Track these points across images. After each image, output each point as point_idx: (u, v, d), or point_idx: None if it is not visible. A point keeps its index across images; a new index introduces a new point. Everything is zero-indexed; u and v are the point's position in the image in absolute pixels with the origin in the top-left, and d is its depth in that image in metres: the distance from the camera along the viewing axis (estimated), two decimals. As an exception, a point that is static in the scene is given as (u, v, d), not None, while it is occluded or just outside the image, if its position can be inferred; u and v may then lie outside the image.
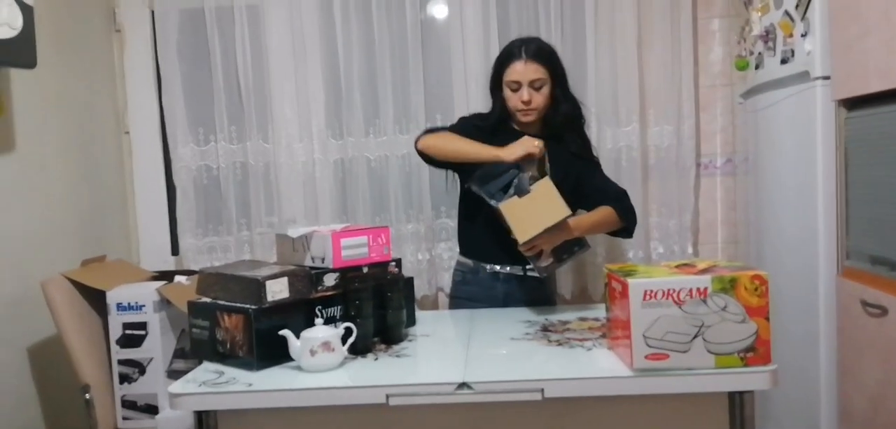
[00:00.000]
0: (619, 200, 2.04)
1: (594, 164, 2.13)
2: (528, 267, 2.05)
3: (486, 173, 1.91)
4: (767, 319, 1.32)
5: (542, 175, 1.87)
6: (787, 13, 2.07)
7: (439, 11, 2.70)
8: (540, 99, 2.00)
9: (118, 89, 2.73)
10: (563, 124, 2.05)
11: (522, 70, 1.98)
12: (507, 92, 2.02)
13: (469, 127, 2.08)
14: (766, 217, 2.34)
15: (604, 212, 2.00)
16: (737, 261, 2.19)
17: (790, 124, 2.12)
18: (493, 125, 2.07)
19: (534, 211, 1.82)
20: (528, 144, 1.86)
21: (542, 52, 2.01)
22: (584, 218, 1.98)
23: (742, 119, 2.58)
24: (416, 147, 2.08)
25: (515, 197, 1.84)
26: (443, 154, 2.02)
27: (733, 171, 2.70)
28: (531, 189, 1.84)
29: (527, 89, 1.98)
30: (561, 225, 1.84)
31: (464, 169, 2.07)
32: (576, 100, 2.09)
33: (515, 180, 1.86)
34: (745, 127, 2.53)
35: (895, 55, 1.59)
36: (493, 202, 1.86)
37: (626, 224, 2.05)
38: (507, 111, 2.06)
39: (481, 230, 2.07)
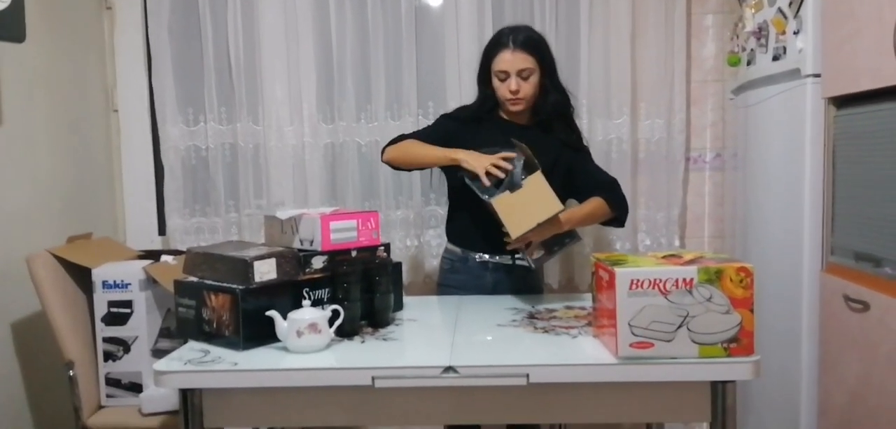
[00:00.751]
0: (611, 189, 2.03)
1: (584, 152, 2.12)
2: (517, 257, 2.06)
3: None
4: (752, 310, 1.33)
5: (533, 169, 1.87)
6: (780, 10, 2.08)
7: (434, -1, 2.69)
8: (528, 88, 1.99)
9: (108, 67, 2.70)
10: (552, 114, 2.04)
11: (510, 59, 1.96)
12: (495, 82, 2.01)
13: (443, 126, 2.08)
14: (753, 212, 2.36)
15: (595, 203, 2.00)
16: (723, 254, 2.20)
17: (780, 121, 2.13)
18: (475, 114, 2.07)
19: (526, 206, 1.82)
20: (488, 165, 1.84)
21: (531, 42, 1.99)
22: (576, 211, 1.98)
23: (732, 115, 2.59)
24: (382, 160, 2.09)
25: (507, 192, 1.84)
26: (405, 162, 2.04)
27: (722, 166, 2.71)
28: (523, 184, 1.84)
29: (515, 79, 1.96)
30: (552, 219, 1.84)
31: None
32: (565, 89, 2.08)
33: (507, 175, 1.86)
34: (735, 123, 2.55)
35: (886, 55, 1.60)
36: (485, 197, 1.86)
37: (617, 214, 2.04)
38: (495, 100, 2.05)
39: (470, 220, 2.07)
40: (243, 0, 2.60)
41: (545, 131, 2.03)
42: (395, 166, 2.08)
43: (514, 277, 2.09)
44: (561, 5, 2.60)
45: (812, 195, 1.96)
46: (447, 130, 2.06)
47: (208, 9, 2.60)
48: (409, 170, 2.12)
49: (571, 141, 2.09)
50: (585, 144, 2.16)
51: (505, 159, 1.86)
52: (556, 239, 1.95)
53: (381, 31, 2.61)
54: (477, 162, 1.86)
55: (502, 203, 1.83)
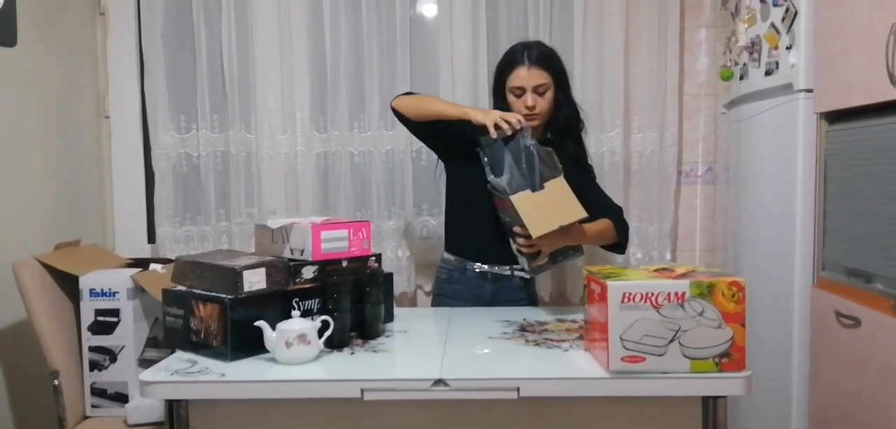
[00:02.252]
0: (618, 214, 2.06)
1: (591, 175, 2.14)
2: (516, 267, 2.05)
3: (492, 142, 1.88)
4: (743, 325, 1.33)
5: (555, 173, 1.85)
6: (773, 25, 2.09)
7: (429, 10, 2.69)
8: (544, 104, 1.99)
9: (100, 73, 2.68)
10: (564, 128, 2.06)
11: (526, 76, 1.97)
12: (510, 98, 2.01)
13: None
14: (744, 226, 2.36)
15: (605, 223, 2.01)
16: (715, 268, 2.20)
17: (772, 135, 2.14)
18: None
19: (548, 207, 1.79)
20: (497, 118, 1.84)
21: (546, 57, 2.01)
22: (591, 225, 1.97)
23: (724, 129, 2.60)
24: (391, 106, 2.07)
25: (528, 191, 1.82)
26: (413, 113, 2.01)
27: (714, 179, 2.72)
28: (545, 186, 1.83)
29: (531, 95, 1.97)
30: (573, 226, 1.83)
31: (447, 152, 2.07)
32: (576, 105, 2.10)
33: (526, 147, 1.85)
34: (727, 137, 2.55)
35: (878, 71, 1.61)
36: (504, 195, 1.82)
37: (621, 239, 2.05)
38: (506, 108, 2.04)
39: (470, 229, 2.06)
40: (237, 8, 2.59)
41: (556, 146, 2.01)
42: (401, 116, 2.03)
43: (512, 287, 2.08)
44: (555, 18, 2.61)
45: (804, 210, 1.96)
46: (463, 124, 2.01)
47: (202, 16, 2.60)
48: (415, 123, 2.04)
49: (580, 159, 2.09)
50: (591, 164, 2.18)
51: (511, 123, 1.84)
52: (561, 249, 1.92)
53: (375, 40, 2.61)
54: (486, 117, 1.85)
55: (523, 201, 1.80)
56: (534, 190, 1.81)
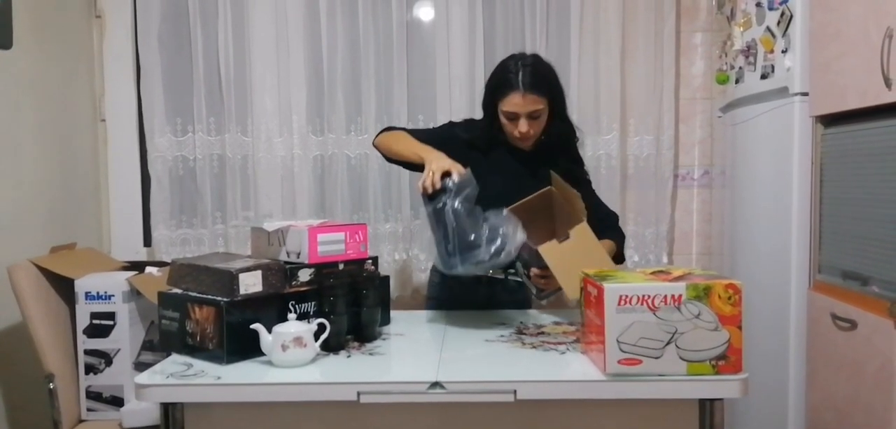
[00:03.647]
0: (615, 227, 2.00)
1: (586, 184, 2.05)
2: (510, 271, 2.03)
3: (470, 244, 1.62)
4: (740, 328, 1.33)
5: (577, 219, 1.75)
6: (768, 29, 2.10)
7: (425, 14, 2.70)
8: (538, 127, 1.89)
9: (96, 76, 2.68)
10: (556, 144, 1.97)
11: (521, 103, 1.84)
12: (502, 119, 1.90)
13: (447, 134, 2.00)
14: (741, 229, 2.37)
15: (609, 246, 1.92)
16: (711, 271, 2.21)
17: (767, 139, 2.14)
18: (483, 142, 1.97)
19: (577, 260, 1.63)
20: (429, 170, 1.67)
21: (541, 81, 1.87)
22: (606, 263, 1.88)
23: (720, 132, 2.61)
24: (372, 143, 2.04)
25: (554, 241, 1.70)
26: (384, 151, 1.96)
27: (710, 183, 2.73)
28: (570, 234, 1.71)
29: (525, 121, 1.86)
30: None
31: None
32: (571, 122, 2.00)
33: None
34: (723, 140, 2.56)
35: (873, 74, 1.61)
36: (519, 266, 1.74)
37: (620, 250, 2.00)
38: (498, 127, 1.96)
39: None
40: (234, 11, 2.59)
41: (548, 158, 1.95)
42: (381, 152, 2.00)
43: (507, 291, 2.07)
44: (551, 22, 2.62)
45: (799, 213, 1.97)
46: (451, 137, 1.96)
47: (199, 19, 2.60)
48: (389, 161, 2.01)
49: (574, 171, 2.00)
50: (587, 175, 2.09)
51: (445, 175, 1.65)
52: None
53: (372, 43, 2.61)
54: (431, 165, 1.67)
55: (552, 255, 1.68)
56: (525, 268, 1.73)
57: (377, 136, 2.02)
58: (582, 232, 1.72)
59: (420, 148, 1.81)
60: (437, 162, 1.69)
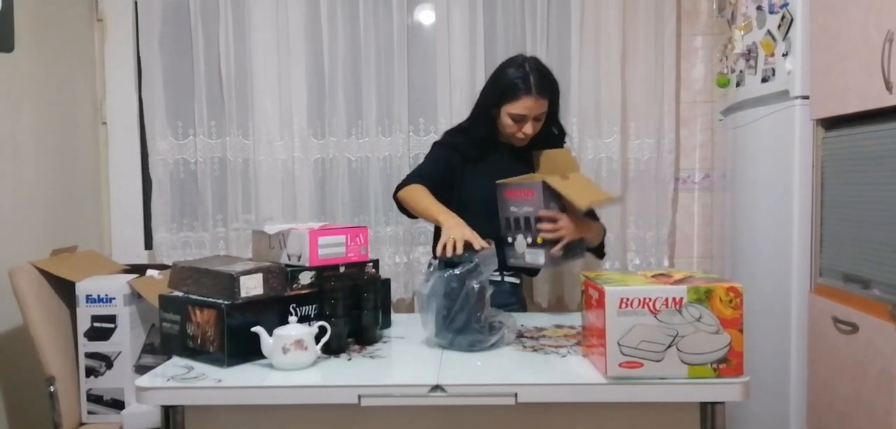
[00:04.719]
0: (596, 219, 2.09)
1: None
2: (506, 273, 2.04)
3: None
4: (741, 331, 1.33)
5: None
6: (769, 33, 2.10)
7: (426, 17, 2.70)
8: (538, 127, 1.99)
9: (97, 79, 2.68)
10: (545, 145, 2.04)
11: (533, 106, 1.93)
12: (506, 120, 1.97)
13: (442, 157, 2.04)
14: (742, 232, 2.36)
15: (599, 225, 2.08)
16: (712, 274, 2.21)
17: (768, 142, 2.14)
18: (480, 143, 2.04)
19: (582, 189, 1.87)
20: (459, 231, 1.72)
21: (549, 84, 1.97)
22: (595, 223, 2.05)
23: (721, 135, 2.61)
24: (394, 197, 2.05)
25: (558, 176, 1.86)
26: (412, 209, 1.99)
27: (711, 186, 2.73)
28: (569, 176, 1.89)
29: (531, 123, 1.96)
30: (588, 219, 1.92)
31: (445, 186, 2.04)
32: (560, 124, 2.10)
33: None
34: (724, 143, 2.56)
35: (874, 78, 1.62)
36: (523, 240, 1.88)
37: (603, 242, 2.12)
38: (493, 127, 2.03)
39: None
40: (235, 14, 2.60)
41: (525, 155, 2.02)
42: (401, 208, 2.05)
43: (503, 292, 2.08)
44: (552, 25, 2.62)
45: (801, 216, 1.97)
46: (447, 163, 2.03)
47: (200, 22, 2.60)
48: (410, 218, 2.10)
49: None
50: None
51: (469, 247, 1.67)
52: (573, 244, 1.90)
53: (372, 47, 2.62)
54: (452, 232, 1.71)
55: (557, 182, 1.85)
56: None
57: (397, 191, 2.02)
58: (577, 175, 1.95)
59: (437, 212, 1.85)
60: (457, 230, 1.72)
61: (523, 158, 2.03)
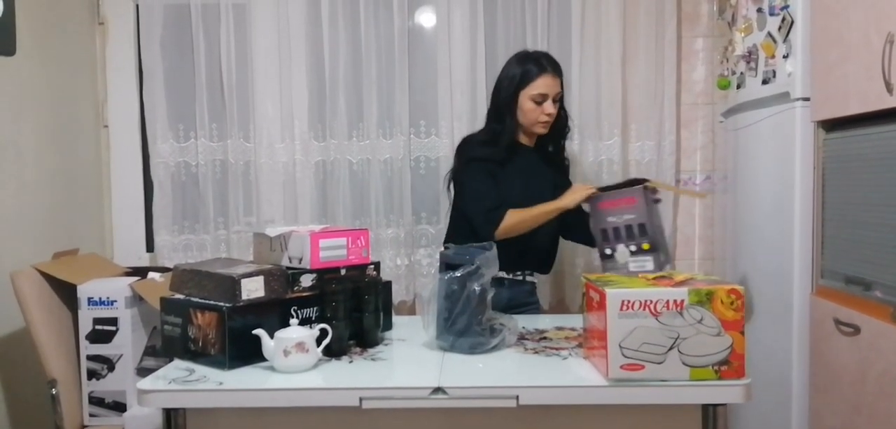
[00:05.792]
0: None
1: (567, 176, 2.25)
2: (527, 272, 2.09)
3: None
4: (742, 333, 1.33)
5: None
6: (769, 35, 2.10)
7: (427, 19, 2.70)
8: (556, 109, 2.06)
9: (99, 82, 2.69)
10: (557, 135, 2.14)
11: (552, 83, 2.03)
12: (528, 105, 2.03)
13: (488, 172, 2.03)
14: (743, 235, 2.36)
15: None
16: (713, 276, 2.21)
17: (769, 144, 2.14)
18: (509, 146, 2.06)
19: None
20: (582, 193, 1.94)
21: (557, 65, 2.08)
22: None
23: (722, 137, 2.61)
24: (493, 238, 1.95)
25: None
26: (526, 230, 1.99)
27: (712, 188, 2.72)
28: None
29: (551, 103, 2.03)
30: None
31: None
32: (567, 111, 2.18)
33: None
34: (725, 145, 2.56)
35: (874, 79, 1.61)
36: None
37: None
38: (514, 125, 2.06)
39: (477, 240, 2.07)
40: (236, 17, 2.60)
41: (549, 144, 2.12)
42: (507, 237, 2.00)
43: (524, 292, 2.13)
44: (553, 27, 2.62)
45: (802, 218, 1.96)
46: (494, 175, 2.03)
47: (201, 25, 2.60)
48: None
49: (558, 161, 2.19)
50: (567, 163, 2.28)
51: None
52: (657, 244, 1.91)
53: (373, 49, 2.62)
54: (578, 195, 1.95)
55: (655, 183, 1.97)
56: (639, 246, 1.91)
57: (494, 231, 1.96)
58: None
59: (548, 209, 1.97)
60: (579, 192, 1.96)
61: (545, 156, 2.13)
